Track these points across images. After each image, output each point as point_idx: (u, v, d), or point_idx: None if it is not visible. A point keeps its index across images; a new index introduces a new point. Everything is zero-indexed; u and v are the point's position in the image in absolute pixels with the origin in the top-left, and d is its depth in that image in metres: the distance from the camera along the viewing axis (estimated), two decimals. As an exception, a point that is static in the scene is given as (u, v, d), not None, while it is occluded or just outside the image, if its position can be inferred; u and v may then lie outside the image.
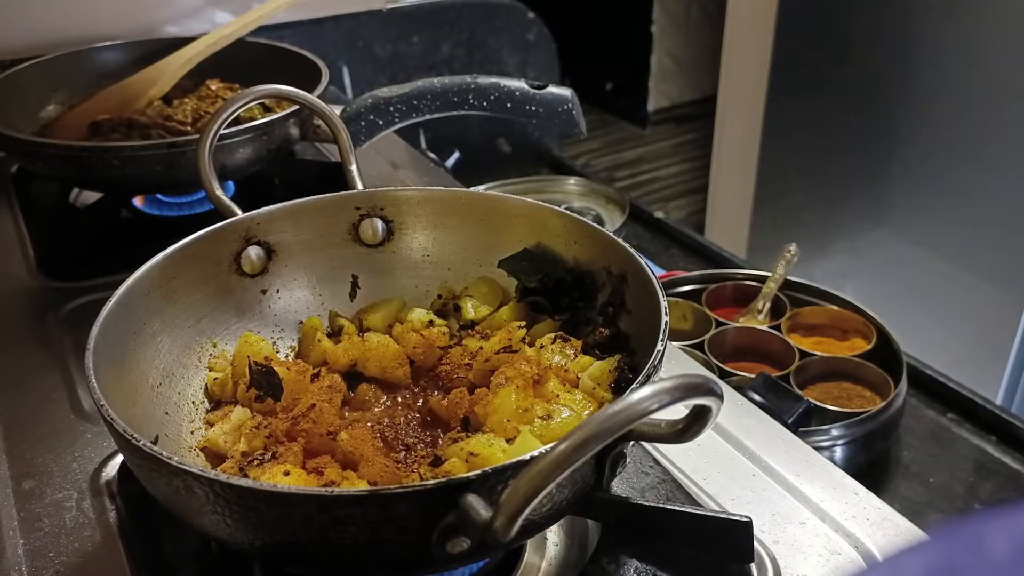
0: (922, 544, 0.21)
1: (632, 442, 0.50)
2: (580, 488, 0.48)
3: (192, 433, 0.60)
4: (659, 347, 0.51)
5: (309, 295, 0.69)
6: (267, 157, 0.98)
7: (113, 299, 0.57)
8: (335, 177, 0.76)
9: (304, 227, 0.69)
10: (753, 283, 1.07)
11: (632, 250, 0.61)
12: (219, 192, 0.69)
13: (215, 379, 0.63)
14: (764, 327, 1.00)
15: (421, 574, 0.51)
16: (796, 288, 1.06)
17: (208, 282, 0.65)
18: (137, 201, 1.07)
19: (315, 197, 0.69)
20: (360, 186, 0.73)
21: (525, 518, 0.39)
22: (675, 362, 0.79)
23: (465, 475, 0.42)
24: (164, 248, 0.62)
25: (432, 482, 0.42)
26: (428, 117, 0.90)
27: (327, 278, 0.70)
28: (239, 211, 0.67)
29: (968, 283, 1.76)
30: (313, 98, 0.74)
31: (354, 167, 0.73)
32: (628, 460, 0.53)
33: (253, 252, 0.67)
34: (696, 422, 0.44)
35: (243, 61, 1.15)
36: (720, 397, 0.41)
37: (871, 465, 0.87)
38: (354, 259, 0.70)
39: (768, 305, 1.03)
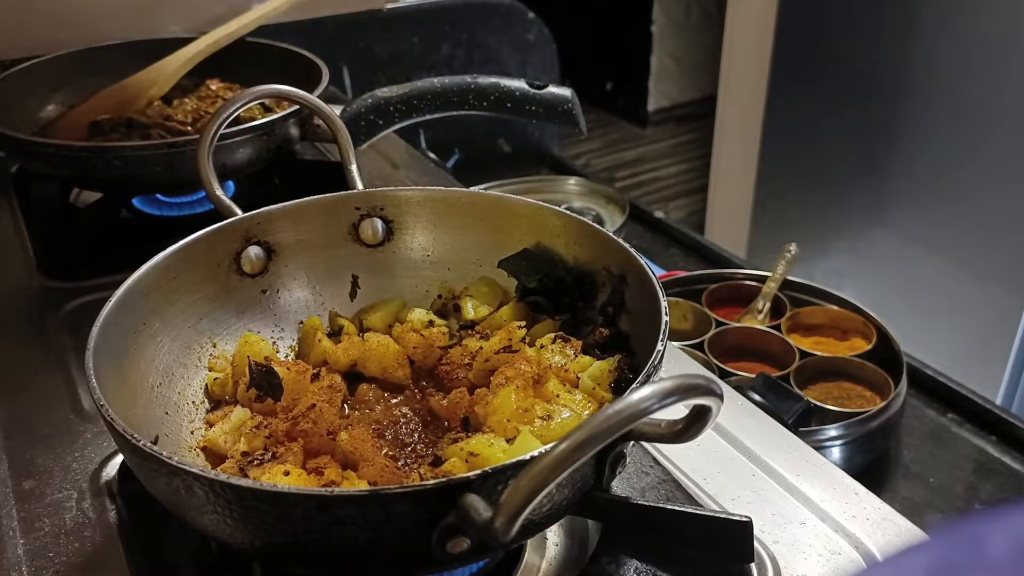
0: (922, 544, 0.21)
1: (632, 442, 0.50)
2: (580, 488, 0.48)
3: (192, 433, 0.60)
4: (659, 347, 0.51)
5: (309, 295, 0.69)
6: (267, 157, 0.98)
7: (113, 299, 0.57)
8: (335, 177, 0.76)
9: (304, 227, 0.69)
10: (753, 283, 1.07)
11: (632, 250, 0.61)
12: (219, 192, 0.69)
13: (215, 379, 0.63)
14: (764, 327, 1.00)
15: (421, 574, 0.51)
16: (796, 288, 1.06)
17: (208, 282, 0.65)
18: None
19: (315, 197, 0.69)
20: (360, 186, 0.73)
21: (525, 518, 0.39)
22: (675, 362, 0.79)
23: (465, 475, 0.42)
24: (164, 248, 0.62)
25: (432, 482, 0.42)
26: (428, 117, 0.90)
27: (327, 278, 0.70)
28: (239, 211, 0.67)
29: (968, 283, 1.76)
30: (313, 98, 0.74)
31: (354, 167, 0.73)
32: (628, 460, 0.53)
33: (253, 252, 0.67)
34: (696, 422, 0.44)
35: (243, 61, 1.15)
36: (720, 397, 0.41)
37: (871, 465, 0.87)
38: (354, 259, 0.70)
39: (768, 305, 1.03)
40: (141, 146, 0.91)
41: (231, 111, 0.70)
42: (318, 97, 0.83)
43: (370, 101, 0.90)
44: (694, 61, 3.40)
